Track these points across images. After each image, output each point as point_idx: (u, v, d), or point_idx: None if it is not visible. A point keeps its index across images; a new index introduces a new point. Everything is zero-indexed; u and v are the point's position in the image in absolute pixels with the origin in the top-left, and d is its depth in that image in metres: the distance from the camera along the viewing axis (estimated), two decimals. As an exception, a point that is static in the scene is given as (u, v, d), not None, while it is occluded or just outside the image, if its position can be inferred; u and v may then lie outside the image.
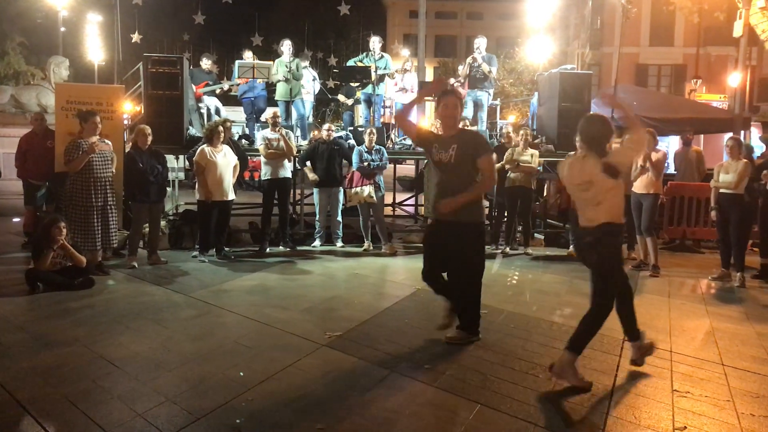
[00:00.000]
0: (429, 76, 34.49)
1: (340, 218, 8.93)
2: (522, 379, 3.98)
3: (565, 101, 9.41)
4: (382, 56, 10.42)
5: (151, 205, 7.48)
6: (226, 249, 8.10)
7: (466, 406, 3.55)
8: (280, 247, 8.63)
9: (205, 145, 7.61)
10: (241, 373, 3.93)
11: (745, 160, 7.24)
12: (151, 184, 7.35)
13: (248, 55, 10.92)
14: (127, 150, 7.82)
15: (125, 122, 9.43)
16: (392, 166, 10.96)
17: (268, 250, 8.45)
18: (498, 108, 12.81)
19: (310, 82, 10.68)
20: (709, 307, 6.16)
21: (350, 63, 11.08)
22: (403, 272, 7.41)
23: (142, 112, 9.02)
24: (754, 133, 17.54)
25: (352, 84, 10.81)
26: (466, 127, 6.91)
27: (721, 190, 7.31)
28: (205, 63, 10.37)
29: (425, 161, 9.51)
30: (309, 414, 3.40)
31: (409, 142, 9.41)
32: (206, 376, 3.89)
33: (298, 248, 8.72)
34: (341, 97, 11.42)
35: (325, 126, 8.97)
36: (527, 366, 4.21)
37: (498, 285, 6.83)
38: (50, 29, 20.44)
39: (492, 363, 4.25)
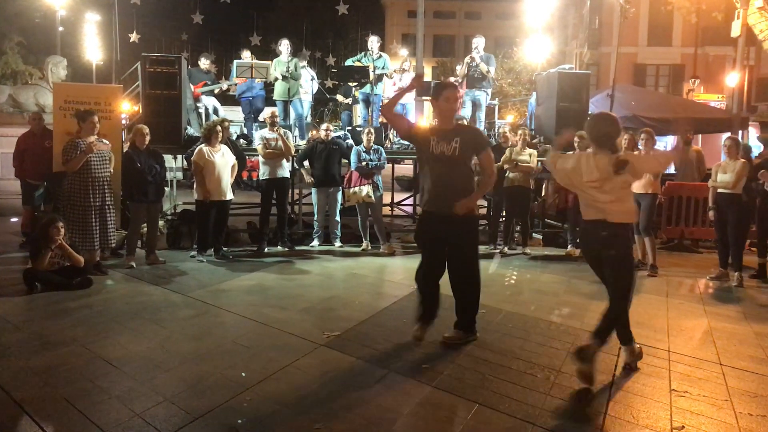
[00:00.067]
0: (427, 76, 34.51)
1: (338, 218, 8.92)
2: (520, 378, 3.98)
3: (564, 101, 9.41)
4: (380, 56, 10.42)
5: (149, 205, 7.47)
6: (225, 249, 8.10)
7: (465, 405, 3.55)
8: (279, 247, 8.62)
9: (204, 144, 7.60)
10: (243, 374, 3.93)
11: (743, 160, 7.25)
12: (149, 183, 7.34)
13: (246, 55, 10.92)
14: (125, 150, 7.81)
15: (123, 122, 9.43)
16: (390, 165, 10.96)
17: (266, 249, 8.45)
18: (496, 108, 12.82)
19: (309, 82, 10.68)
20: (707, 306, 6.17)
21: (348, 63, 11.07)
22: (401, 272, 7.41)
23: (140, 111, 9.01)
24: (752, 133, 17.59)
25: (350, 84, 10.81)
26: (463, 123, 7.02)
27: (719, 190, 7.32)
28: (204, 63, 10.37)
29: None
30: (307, 413, 3.40)
31: (406, 142, 9.41)
32: (204, 375, 3.89)
33: (297, 248, 8.71)
34: (339, 97, 11.42)
35: (323, 126, 8.97)
36: (525, 366, 4.21)
37: (496, 285, 6.83)
38: (48, 29, 20.41)
39: (490, 363, 4.25)
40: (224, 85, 10.33)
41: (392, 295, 6.20)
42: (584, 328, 5.16)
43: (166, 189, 8.85)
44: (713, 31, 24.24)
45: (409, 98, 10.62)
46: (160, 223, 8.34)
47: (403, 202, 13.01)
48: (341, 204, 8.82)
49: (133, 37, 15.59)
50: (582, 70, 17.99)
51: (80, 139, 6.59)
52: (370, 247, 8.70)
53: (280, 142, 8.28)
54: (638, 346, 4.29)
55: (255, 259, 8.00)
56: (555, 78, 9.67)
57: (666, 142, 19.78)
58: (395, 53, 27.48)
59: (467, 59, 10.46)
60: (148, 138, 7.43)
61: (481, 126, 10.61)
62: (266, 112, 8.98)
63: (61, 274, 6.11)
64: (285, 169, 8.56)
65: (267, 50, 16.23)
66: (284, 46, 9.90)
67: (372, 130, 8.71)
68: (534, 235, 9.89)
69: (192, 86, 9.74)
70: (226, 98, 11.04)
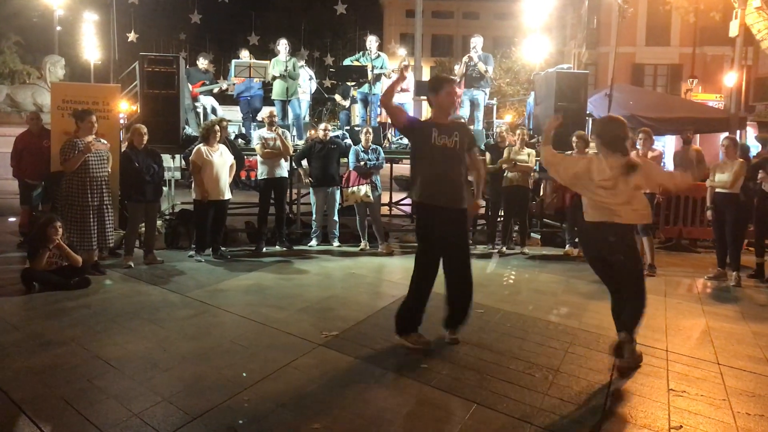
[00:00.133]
0: (426, 76, 34.51)
1: (336, 218, 8.92)
2: (518, 378, 3.98)
3: (562, 101, 9.42)
4: (378, 55, 10.42)
5: (147, 205, 7.46)
6: (223, 249, 8.09)
7: (463, 405, 3.55)
8: (277, 247, 8.62)
9: (202, 144, 7.60)
10: (244, 374, 3.93)
11: (741, 160, 7.26)
12: (147, 183, 7.34)
13: (245, 55, 10.92)
14: (123, 149, 7.80)
15: (121, 121, 9.41)
16: (389, 165, 10.95)
17: (264, 249, 8.44)
18: (494, 107, 12.82)
19: (307, 82, 10.68)
20: (705, 306, 6.18)
21: (347, 62, 11.08)
22: (399, 271, 7.40)
23: (138, 111, 9.00)
24: (750, 133, 17.58)
25: (348, 83, 10.81)
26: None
27: (717, 190, 7.33)
28: (202, 63, 10.37)
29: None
30: (305, 413, 3.40)
31: (405, 141, 9.41)
32: (202, 375, 3.88)
33: (295, 248, 8.71)
34: (337, 97, 11.42)
35: (321, 125, 8.96)
36: (524, 365, 4.21)
37: (494, 284, 6.84)
38: (46, 28, 20.37)
39: (488, 362, 4.25)
40: (223, 85, 10.32)
41: (390, 294, 6.20)
42: (582, 327, 5.18)
43: (164, 189, 8.84)
44: (711, 31, 24.24)
45: (408, 98, 10.63)
46: (158, 222, 8.33)
47: (402, 202, 13.01)
48: (339, 204, 8.82)
49: (131, 36, 15.57)
50: (580, 69, 18.00)
51: (78, 139, 6.59)
52: (368, 247, 8.70)
53: (278, 142, 8.27)
54: (639, 352, 4.29)
55: (253, 258, 8.00)
56: (553, 78, 9.68)
57: (664, 142, 19.78)
58: (393, 53, 27.49)
59: (465, 59, 10.47)
60: (146, 137, 7.42)
61: (479, 126, 10.62)
62: (264, 112, 8.97)
63: (59, 274, 6.10)
64: (283, 169, 8.56)
65: (265, 50, 16.21)
66: (282, 45, 9.90)
67: (370, 130, 8.71)
68: (532, 234, 9.90)
69: (190, 86, 9.74)
70: (224, 98, 11.03)
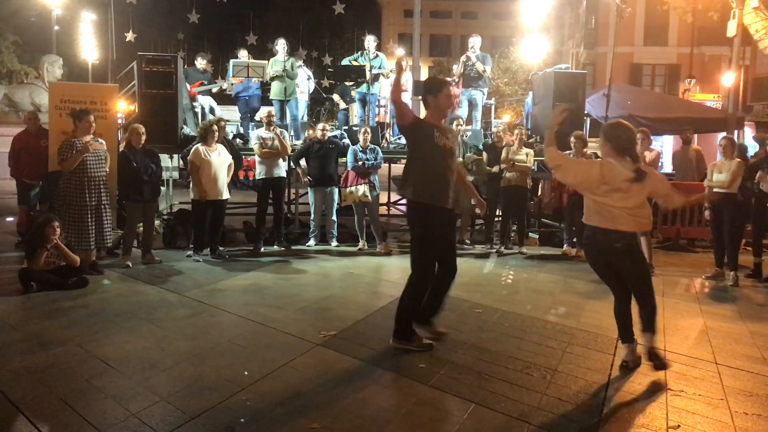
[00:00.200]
0: (424, 75, 34.46)
1: (335, 217, 8.92)
2: (516, 378, 3.98)
3: (560, 101, 9.40)
4: (376, 55, 10.41)
5: (145, 205, 7.46)
6: (221, 248, 8.08)
7: (461, 405, 3.56)
8: (275, 247, 8.61)
9: (200, 144, 7.59)
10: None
11: (739, 160, 7.26)
12: (144, 183, 7.33)
13: (243, 54, 10.91)
14: (121, 149, 7.79)
15: (119, 121, 9.40)
16: (387, 165, 10.95)
17: (262, 249, 8.44)
18: (492, 107, 12.82)
19: (305, 82, 10.67)
20: (702, 306, 6.19)
21: (345, 62, 11.07)
22: (397, 271, 7.40)
23: (136, 111, 8.99)
24: (748, 133, 17.64)
25: (346, 83, 10.80)
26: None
27: (715, 190, 7.33)
28: (200, 62, 10.36)
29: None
30: (303, 413, 3.40)
31: (403, 141, 9.40)
32: (200, 375, 3.88)
33: (293, 248, 8.70)
34: (336, 97, 11.42)
35: (319, 125, 8.95)
36: (522, 365, 4.22)
37: (493, 284, 6.84)
38: (44, 27, 20.34)
39: (486, 362, 4.25)
40: (222, 85, 10.32)
41: (389, 294, 6.19)
42: (580, 327, 5.18)
43: (162, 188, 8.83)
44: (709, 31, 24.26)
45: (406, 97, 10.62)
46: (156, 222, 8.33)
47: (400, 202, 12.99)
48: (338, 203, 8.81)
49: (129, 36, 15.56)
50: (578, 69, 17.99)
51: (76, 139, 6.58)
52: (366, 247, 8.70)
53: (276, 142, 8.27)
54: (639, 354, 4.29)
55: (251, 258, 7.99)
56: (551, 78, 9.69)
57: (662, 142, 19.81)
58: (392, 53, 27.46)
59: (463, 58, 10.47)
60: (144, 137, 7.41)
61: (478, 126, 10.62)
62: (263, 112, 8.97)
63: (57, 274, 6.09)
64: (281, 169, 8.55)
65: (263, 49, 16.22)
66: (281, 45, 9.89)
67: (368, 130, 8.71)
68: (530, 234, 9.91)
69: (188, 85, 9.73)
70: (222, 97, 11.03)
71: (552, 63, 17.99)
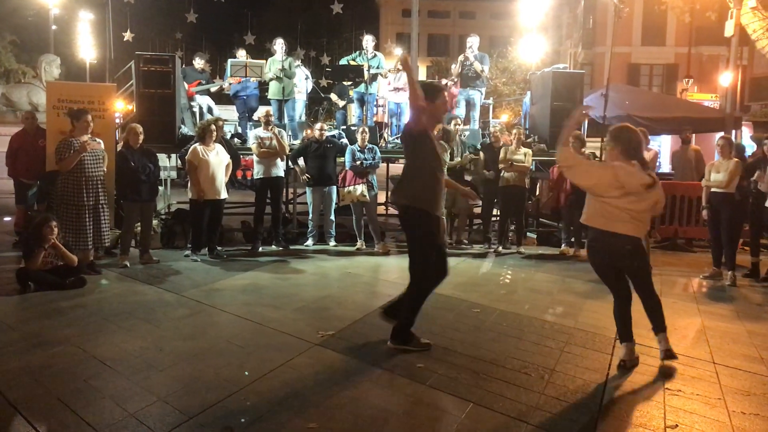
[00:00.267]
0: (422, 75, 34.50)
1: (333, 217, 8.91)
2: (514, 377, 3.98)
3: (558, 100, 9.44)
4: (375, 55, 10.41)
5: (143, 204, 7.45)
6: (219, 248, 8.07)
7: (459, 404, 3.56)
8: (273, 246, 8.61)
9: (198, 143, 7.59)
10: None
11: (736, 159, 7.28)
12: (142, 183, 7.32)
13: (241, 54, 10.89)
14: (118, 149, 7.78)
15: (117, 121, 9.39)
16: (385, 165, 10.95)
17: (260, 249, 8.44)
18: (490, 107, 12.83)
19: (303, 81, 10.67)
20: (700, 305, 6.20)
21: (343, 62, 11.07)
22: (395, 271, 7.40)
23: (134, 110, 8.98)
24: (745, 133, 17.65)
25: (344, 83, 10.80)
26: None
27: (713, 189, 7.34)
28: (198, 62, 10.36)
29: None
30: (301, 413, 3.40)
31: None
32: (198, 375, 3.88)
33: (291, 247, 8.70)
34: (334, 96, 11.41)
35: (317, 125, 8.95)
36: (520, 365, 4.22)
37: (491, 284, 6.84)
38: (41, 27, 20.34)
39: (484, 362, 4.25)
40: (226, 84, 10.31)
41: (387, 294, 6.17)
42: (578, 326, 5.18)
43: (160, 188, 8.81)
44: (707, 30, 24.29)
45: (405, 97, 10.61)
46: (154, 222, 8.32)
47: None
48: (336, 203, 8.81)
49: (127, 35, 15.51)
50: (576, 69, 18.00)
51: (74, 138, 6.57)
52: (364, 247, 8.70)
53: (274, 141, 8.26)
54: (637, 354, 4.30)
55: (249, 258, 7.99)
56: (549, 77, 9.69)
57: (659, 142, 19.83)
58: (390, 52, 27.47)
59: (461, 58, 10.48)
60: (141, 137, 7.40)
61: (476, 125, 10.63)
62: (261, 111, 8.97)
63: (54, 274, 6.08)
64: (279, 168, 8.55)
65: (261, 49, 16.18)
66: (279, 45, 9.89)
67: (366, 130, 8.70)
68: (528, 234, 9.91)
69: (186, 85, 9.72)
70: (220, 97, 11.01)
71: (550, 63, 17.99)
